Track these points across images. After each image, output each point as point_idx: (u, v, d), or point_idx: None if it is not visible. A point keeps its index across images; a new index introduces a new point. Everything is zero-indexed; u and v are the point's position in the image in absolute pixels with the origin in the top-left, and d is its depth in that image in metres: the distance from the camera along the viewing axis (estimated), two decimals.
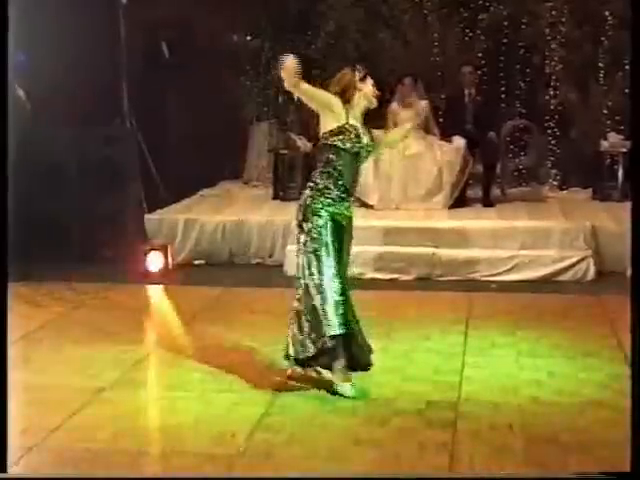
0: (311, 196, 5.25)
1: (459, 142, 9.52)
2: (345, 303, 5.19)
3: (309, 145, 10.30)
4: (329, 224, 5.21)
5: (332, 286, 5.16)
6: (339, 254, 5.24)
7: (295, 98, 10.41)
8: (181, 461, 4.41)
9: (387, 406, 5.08)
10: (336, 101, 5.24)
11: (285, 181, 10.28)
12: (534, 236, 8.40)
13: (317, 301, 5.19)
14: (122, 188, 9.40)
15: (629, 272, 8.21)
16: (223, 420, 4.90)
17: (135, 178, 9.61)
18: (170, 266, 8.52)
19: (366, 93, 5.31)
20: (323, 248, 5.19)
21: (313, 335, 5.22)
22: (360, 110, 5.34)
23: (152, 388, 5.70)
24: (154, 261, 8.38)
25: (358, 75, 5.31)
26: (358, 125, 5.30)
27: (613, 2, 10.44)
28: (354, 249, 8.29)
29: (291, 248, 8.60)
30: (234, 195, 10.58)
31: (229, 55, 10.79)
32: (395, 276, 8.30)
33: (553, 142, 10.74)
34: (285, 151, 10.38)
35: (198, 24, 11.06)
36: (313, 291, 5.21)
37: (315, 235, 5.20)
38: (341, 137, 5.23)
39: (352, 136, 5.24)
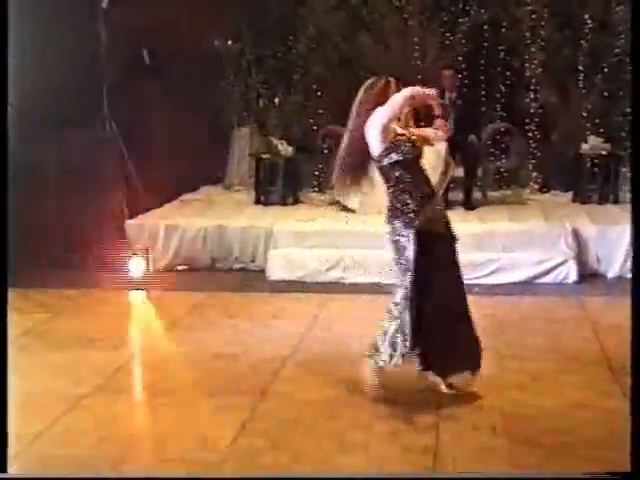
0: (397, 217, 5.13)
1: (440, 146, 9.51)
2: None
3: (290, 150, 10.30)
4: (417, 239, 5.06)
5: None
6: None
7: (275, 102, 10.31)
8: (164, 466, 4.40)
9: (370, 410, 5.09)
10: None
11: (266, 186, 10.29)
12: (515, 239, 8.42)
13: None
14: (103, 193, 9.36)
15: (610, 275, 8.33)
16: (207, 425, 4.89)
17: (116, 183, 9.57)
18: (152, 271, 8.49)
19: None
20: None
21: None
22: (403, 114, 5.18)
23: (135, 394, 5.67)
24: (136, 267, 8.35)
25: (393, 87, 5.14)
26: (402, 130, 5.16)
27: (592, 5, 10.51)
28: (337, 253, 8.44)
29: (273, 253, 8.61)
30: (215, 200, 10.57)
31: (210, 59, 10.77)
32: (377, 280, 8.29)
33: (534, 145, 10.77)
34: (266, 156, 10.38)
35: (179, 29, 11.04)
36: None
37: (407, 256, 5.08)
38: (398, 151, 5.11)
39: (407, 143, 5.13)
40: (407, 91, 5.02)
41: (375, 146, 5.12)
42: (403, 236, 5.10)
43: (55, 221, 9.01)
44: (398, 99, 5.01)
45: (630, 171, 4.64)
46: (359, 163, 5.29)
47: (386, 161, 5.14)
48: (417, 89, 5.07)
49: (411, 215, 5.10)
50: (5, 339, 4.48)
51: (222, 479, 4.31)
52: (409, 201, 5.13)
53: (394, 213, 5.16)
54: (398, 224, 5.13)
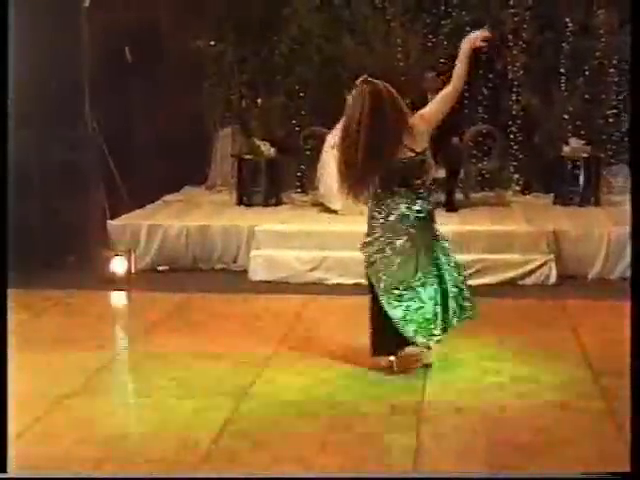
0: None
1: None
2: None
3: (272, 150, 10.30)
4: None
5: None
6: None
7: (258, 102, 10.29)
8: (144, 468, 4.39)
9: (351, 410, 5.10)
10: None
11: (249, 186, 10.28)
12: (497, 240, 8.45)
13: None
14: (85, 193, 9.34)
15: (590, 276, 8.37)
16: (187, 426, 4.88)
17: (98, 183, 9.55)
18: (133, 272, 8.47)
19: None
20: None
21: None
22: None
23: (115, 395, 5.66)
24: (117, 267, 8.33)
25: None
26: None
27: (574, 9, 10.56)
28: (319, 254, 8.44)
29: (255, 253, 8.61)
30: (198, 201, 10.55)
31: (192, 60, 10.76)
32: (359, 281, 8.29)
33: (516, 147, 10.82)
34: (249, 156, 10.37)
35: (161, 28, 11.03)
36: None
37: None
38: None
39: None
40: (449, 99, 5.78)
41: (421, 142, 5.70)
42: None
43: (36, 221, 8.97)
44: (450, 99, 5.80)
45: (630, 170, 4.71)
46: (380, 167, 5.52)
47: (428, 155, 5.69)
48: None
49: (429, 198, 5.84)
50: (5, 339, 4.47)
51: (219, 479, 4.30)
52: (433, 187, 5.96)
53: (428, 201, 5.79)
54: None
